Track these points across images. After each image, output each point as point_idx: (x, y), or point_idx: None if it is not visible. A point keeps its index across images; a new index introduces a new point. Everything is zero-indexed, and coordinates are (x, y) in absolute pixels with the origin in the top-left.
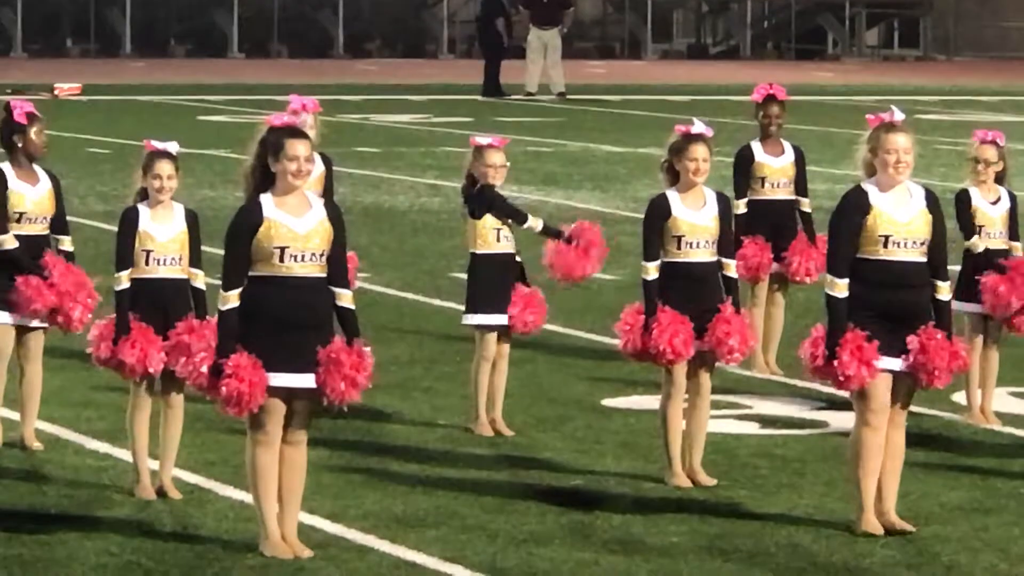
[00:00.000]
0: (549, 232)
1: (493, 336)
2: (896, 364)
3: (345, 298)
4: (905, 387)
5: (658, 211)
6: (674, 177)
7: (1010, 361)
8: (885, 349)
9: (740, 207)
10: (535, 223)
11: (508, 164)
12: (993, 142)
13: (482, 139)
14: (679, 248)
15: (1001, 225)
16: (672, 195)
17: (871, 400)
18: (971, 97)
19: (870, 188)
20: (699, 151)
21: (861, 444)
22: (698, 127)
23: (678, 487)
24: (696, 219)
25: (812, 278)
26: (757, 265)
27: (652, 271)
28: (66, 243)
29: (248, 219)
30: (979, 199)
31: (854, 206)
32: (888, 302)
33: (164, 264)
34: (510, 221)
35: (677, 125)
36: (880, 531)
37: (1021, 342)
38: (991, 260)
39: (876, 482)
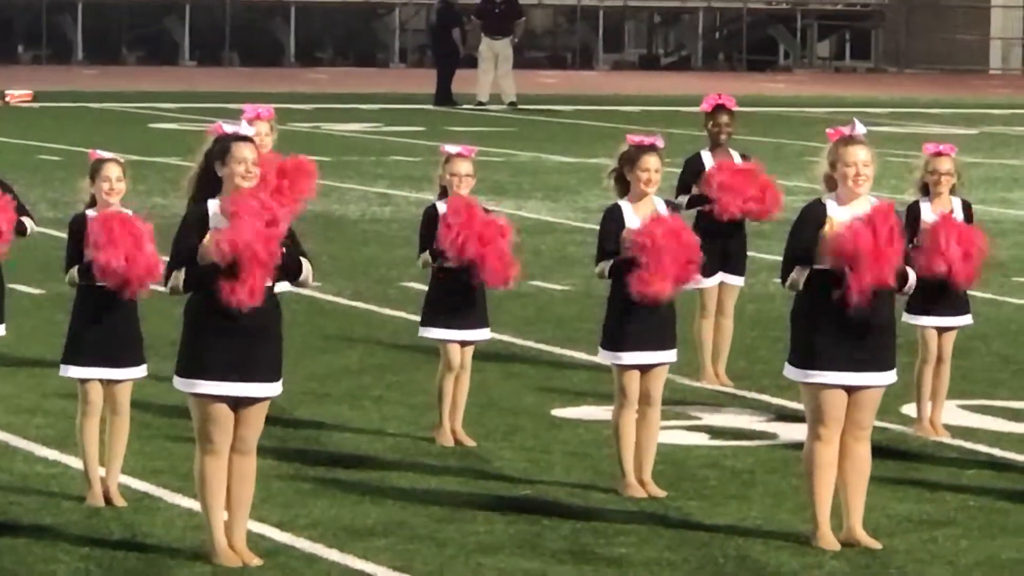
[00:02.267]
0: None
1: (456, 347)
2: (854, 379)
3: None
4: (866, 401)
5: (614, 219)
6: (623, 187)
7: (959, 374)
8: (843, 363)
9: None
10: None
11: (474, 174)
12: (947, 154)
13: (451, 148)
14: None
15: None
16: (625, 205)
17: (823, 413)
18: (922, 109)
19: (828, 201)
20: (651, 162)
21: (813, 458)
22: (650, 138)
23: (632, 497)
24: None
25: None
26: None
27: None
28: (28, 224)
29: (196, 221)
30: (928, 213)
31: (810, 218)
32: (847, 314)
33: None
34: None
35: (629, 135)
36: (836, 547)
37: (971, 355)
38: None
39: (831, 496)
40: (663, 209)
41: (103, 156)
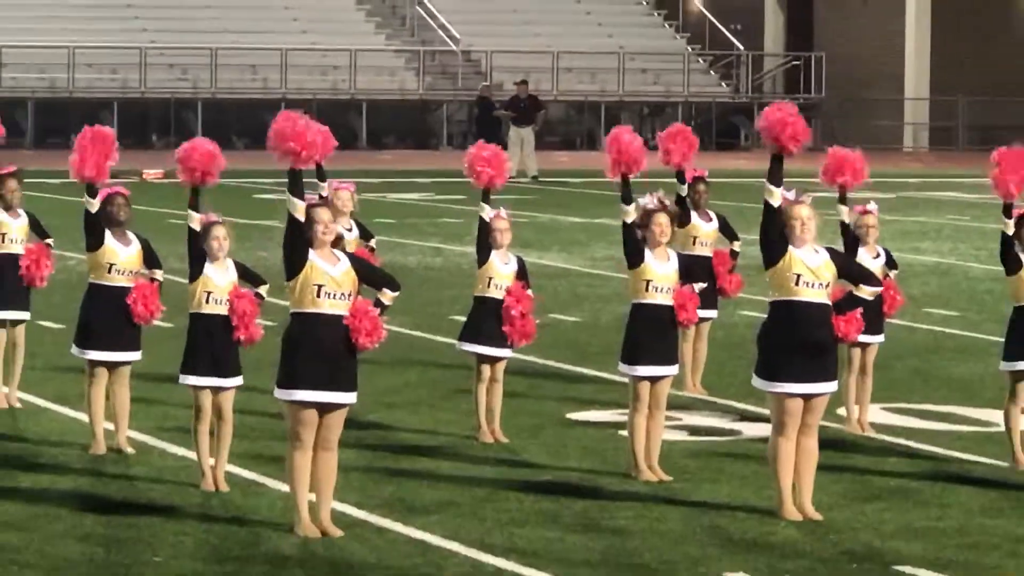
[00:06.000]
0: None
1: (487, 363)
2: (810, 388)
3: (386, 296)
4: (816, 406)
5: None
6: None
7: (882, 384)
8: (804, 376)
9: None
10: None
11: (510, 228)
12: (871, 211)
13: (489, 211)
14: (647, 290)
15: (880, 274)
16: (645, 249)
17: (786, 415)
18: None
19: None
20: (663, 218)
21: (777, 450)
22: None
23: (646, 482)
24: (663, 270)
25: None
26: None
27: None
28: (158, 274)
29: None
30: (864, 256)
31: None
32: (802, 339)
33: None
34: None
35: (641, 198)
36: (798, 517)
37: (891, 369)
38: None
39: (791, 479)
40: (675, 258)
41: (214, 219)
